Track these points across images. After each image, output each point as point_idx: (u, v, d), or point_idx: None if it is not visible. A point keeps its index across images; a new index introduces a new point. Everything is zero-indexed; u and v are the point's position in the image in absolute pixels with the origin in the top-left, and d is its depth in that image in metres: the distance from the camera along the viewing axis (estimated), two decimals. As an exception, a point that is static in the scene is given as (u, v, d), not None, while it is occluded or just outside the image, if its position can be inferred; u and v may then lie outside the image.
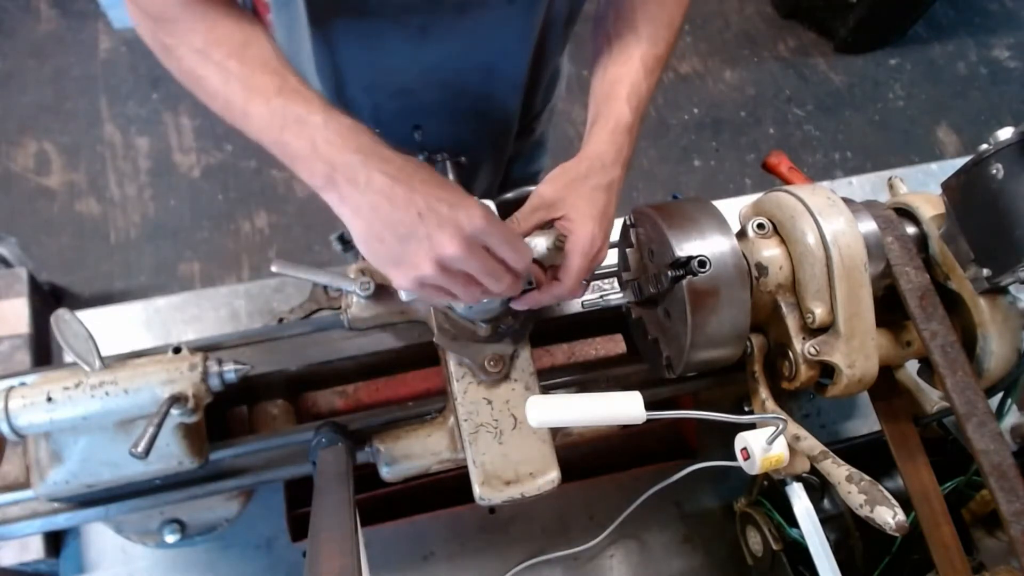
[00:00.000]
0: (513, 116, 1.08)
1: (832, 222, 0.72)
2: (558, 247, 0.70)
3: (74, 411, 0.67)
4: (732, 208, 0.80)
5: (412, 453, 0.76)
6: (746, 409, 0.84)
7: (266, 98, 0.61)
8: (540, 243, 0.72)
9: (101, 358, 0.70)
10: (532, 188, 0.83)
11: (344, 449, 0.73)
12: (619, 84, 0.77)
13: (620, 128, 0.74)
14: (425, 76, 0.96)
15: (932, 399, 0.89)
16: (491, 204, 0.78)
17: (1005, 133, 0.69)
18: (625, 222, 0.81)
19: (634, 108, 0.76)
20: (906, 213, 0.82)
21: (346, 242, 1.24)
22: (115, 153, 2.54)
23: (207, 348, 0.78)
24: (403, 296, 0.72)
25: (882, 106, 2.92)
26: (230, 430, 0.89)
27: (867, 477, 0.67)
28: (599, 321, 0.91)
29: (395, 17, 0.87)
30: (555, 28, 1.00)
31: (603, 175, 0.72)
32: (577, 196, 0.70)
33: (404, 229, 0.58)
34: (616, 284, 0.87)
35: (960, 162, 0.76)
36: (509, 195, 0.91)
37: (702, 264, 0.67)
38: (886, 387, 0.82)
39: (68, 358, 0.70)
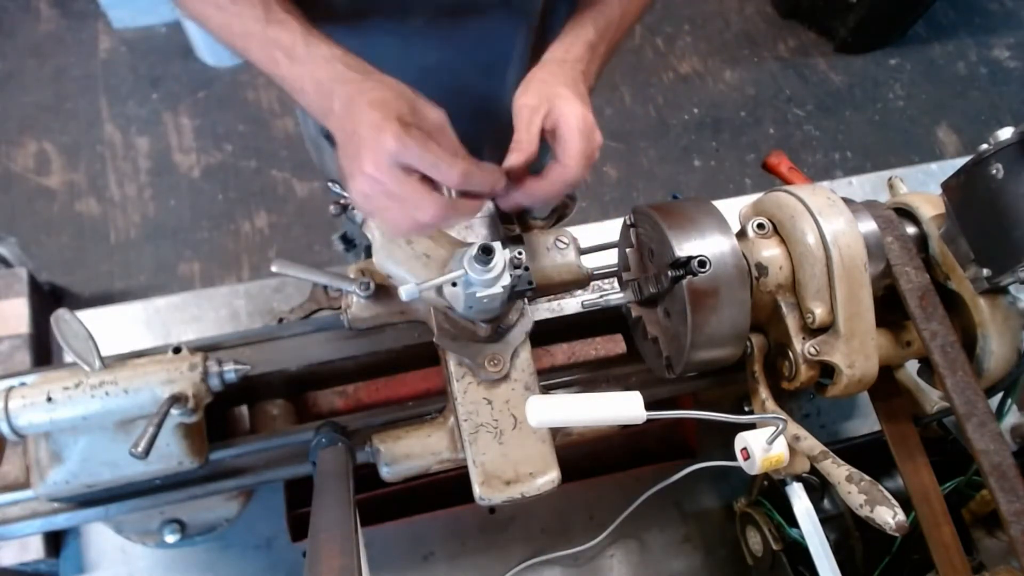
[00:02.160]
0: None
1: (832, 222, 0.72)
2: (559, 247, 0.70)
3: (74, 411, 0.67)
4: (732, 208, 0.80)
5: (412, 453, 0.76)
6: (746, 409, 0.84)
7: (263, 34, 0.70)
8: (540, 243, 0.72)
9: (101, 358, 0.70)
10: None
11: (344, 449, 0.73)
12: (588, 8, 0.81)
13: (579, 41, 0.78)
14: (424, 75, 0.97)
15: (932, 399, 0.89)
16: (490, 204, 0.78)
17: (1005, 133, 0.69)
18: (625, 222, 0.81)
19: (600, 29, 0.80)
20: (906, 213, 0.82)
21: (348, 241, 1.24)
22: (115, 153, 2.54)
23: (207, 348, 0.78)
24: (403, 296, 0.72)
25: (882, 106, 2.92)
26: (230, 430, 0.89)
27: (867, 477, 0.67)
28: (599, 321, 0.91)
29: (390, 19, 0.87)
30: (555, 33, 1.01)
31: (571, 68, 0.75)
32: (557, 86, 0.72)
33: (344, 147, 0.65)
34: (616, 284, 0.87)
35: (960, 162, 0.76)
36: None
37: (702, 264, 0.67)
38: (886, 387, 0.82)
39: (68, 358, 0.70)
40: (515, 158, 0.71)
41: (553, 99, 0.71)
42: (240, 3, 0.71)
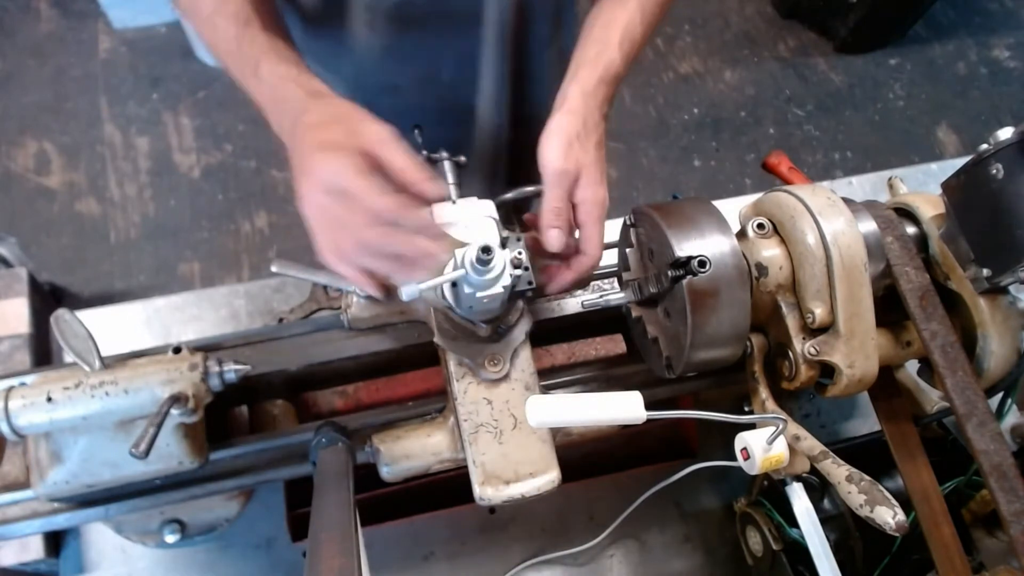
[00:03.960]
0: (501, 126, 1.08)
1: (832, 222, 0.72)
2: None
3: (74, 411, 0.67)
4: (732, 208, 0.80)
5: (412, 453, 0.76)
6: (746, 409, 0.84)
7: (232, 49, 0.73)
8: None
9: (101, 358, 0.70)
10: (530, 188, 0.83)
11: (344, 449, 0.73)
12: (613, 27, 0.76)
13: (608, 77, 0.74)
14: (411, 79, 0.98)
15: (932, 399, 0.89)
16: (490, 204, 0.78)
17: (1005, 133, 0.69)
18: (625, 222, 0.80)
19: (625, 54, 0.76)
20: (906, 213, 0.82)
21: None
22: (115, 153, 2.54)
23: (207, 348, 0.78)
24: (403, 296, 0.72)
25: (882, 106, 2.92)
26: (230, 430, 0.89)
27: (867, 477, 0.67)
28: (599, 321, 0.91)
29: (370, 28, 0.88)
30: (536, 48, 1.01)
31: (596, 131, 0.73)
32: (584, 160, 0.71)
33: (300, 201, 0.65)
34: (616, 284, 0.87)
35: (960, 162, 0.76)
36: (508, 195, 0.91)
37: (702, 264, 0.67)
38: (886, 387, 0.82)
39: (68, 358, 0.70)
40: (555, 242, 0.71)
41: (581, 173, 0.71)
42: (220, 17, 0.74)
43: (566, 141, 0.70)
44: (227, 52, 0.75)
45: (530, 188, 0.88)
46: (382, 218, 0.61)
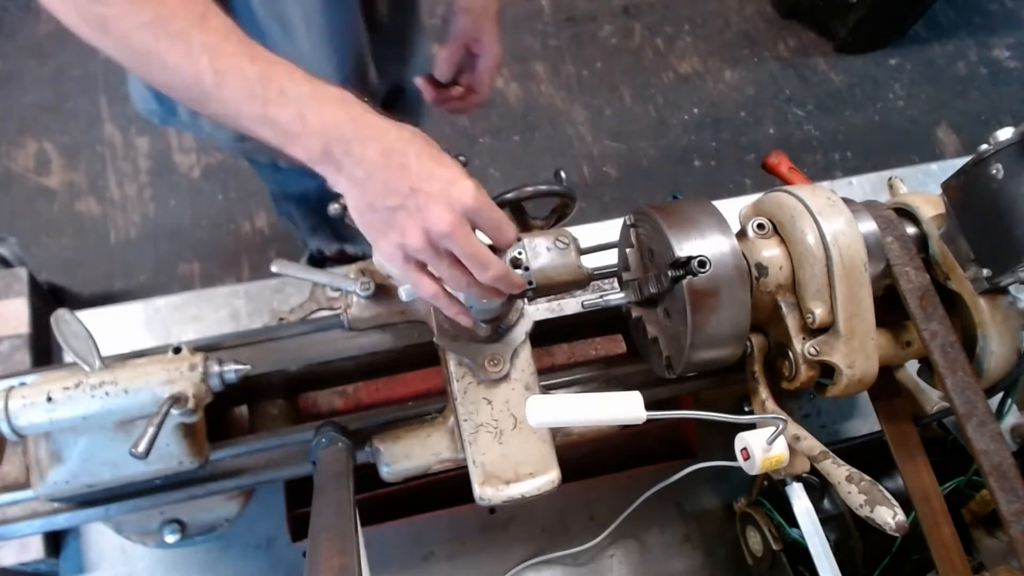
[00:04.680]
0: None
1: (832, 222, 0.72)
2: (559, 247, 0.70)
3: (74, 411, 0.67)
4: (732, 208, 0.80)
5: (412, 453, 0.76)
6: (746, 409, 0.84)
7: (240, 68, 0.58)
8: (540, 244, 0.72)
9: (101, 358, 0.70)
10: (531, 188, 0.83)
11: (344, 449, 0.73)
12: None
13: None
14: None
15: (932, 399, 0.89)
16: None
17: (1005, 133, 0.69)
18: (625, 222, 0.81)
19: None
20: (906, 213, 0.82)
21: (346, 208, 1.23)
22: (115, 153, 2.54)
23: (207, 348, 0.78)
24: (403, 296, 0.72)
25: (882, 106, 2.91)
26: (230, 430, 0.89)
27: (867, 477, 0.67)
28: (599, 321, 0.91)
29: None
30: None
31: (494, 5, 0.99)
32: (487, 23, 0.98)
33: (396, 200, 0.59)
34: (616, 284, 0.87)
35: (960, 162, 0.76)
36: (508, 195, 0.91)
37: (702, 264, 0.67)
38: (886, 387, 0.82)
39: (68, 358, 0.70)
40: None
41: (484, 35, 0.98)
42: (215, 35, 0.59)
43: (469, 7, 0.97)
44: (228, 75, 0.58)
45: (530, 188, 0.88)
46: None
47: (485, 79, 1.01)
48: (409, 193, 0.58)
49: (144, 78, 0.63)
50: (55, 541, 0.97)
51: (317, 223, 1.59)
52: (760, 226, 0.76)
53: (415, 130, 0.62)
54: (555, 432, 0.76)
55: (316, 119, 0.58)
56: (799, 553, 0.87)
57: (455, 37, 0.99)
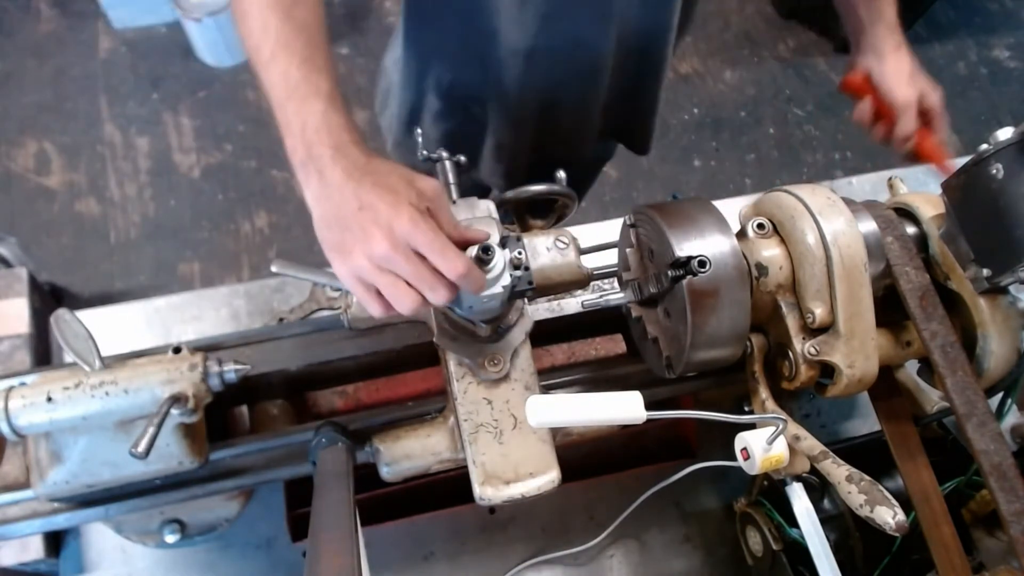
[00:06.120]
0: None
1: (832, 222, 0.72)
2: (559, 247, 0.70)
3: (74, 411, 0.67)
4: (732, 208, 0.80)
5: (412, 453, 0.76)
6: (746, 409, 0.84)
7: (288, 64, 0.66)
8: (540, 244, 0.72)
9: (101, 358, 0.70)
10: (533, 188, 0.83)
11: (344, 449, 0.73)
12: None
13: (895, 23, 1.11)
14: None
15: (932, 399, 0.89)
16: (490, 204, 0.78)
17: (1005, 133, 0.69)
18: (625, 222, 0.80)
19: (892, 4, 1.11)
20: (906, 213, 0.82)
21: None
22: (115, 153, 2.54)
23: (207, 348, 0.78)
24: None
25: (882, 106, 2.91)
26: (230, 430, 0.89)
27: (867, 477, 0.67)
28: (599, 321, 0.91)
29: None
30: None
31: (913, 60, 1.11)
32: (921, 84, 1.13)
33: (345, 220, 0.61)
34: (616, 284, 0.87)
35: (960, 162, 0.76)
36: (509, 194, 0.91)
37: (702, 264, 0.67)
38: (886, 387, 0.82)
39: (68, 358, 0.70)
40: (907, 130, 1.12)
41: (925, 98, 1.14)
42: (290, 25, 0.68)
43: (899, 75, 1.12)
44: (277, 61, 0.66)
45: (530, 188, 0.88)
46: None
47: (941, 124, 1.21)
48: (356, 213, 0.61)
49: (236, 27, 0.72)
50: (55, 541, 0.97)
51: None
52: (760, 226, 0.76)
53: (393, 165, 0.64)
54: (555, 432, 0.76)
55: (312, 134, 0.64)
56: (799, 553, 0.87)
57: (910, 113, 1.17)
